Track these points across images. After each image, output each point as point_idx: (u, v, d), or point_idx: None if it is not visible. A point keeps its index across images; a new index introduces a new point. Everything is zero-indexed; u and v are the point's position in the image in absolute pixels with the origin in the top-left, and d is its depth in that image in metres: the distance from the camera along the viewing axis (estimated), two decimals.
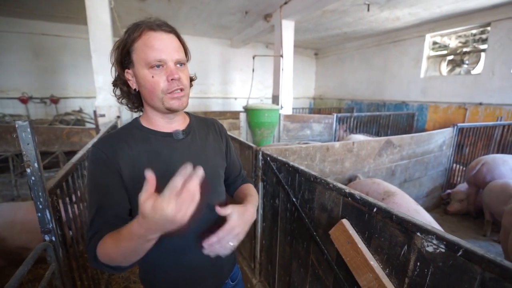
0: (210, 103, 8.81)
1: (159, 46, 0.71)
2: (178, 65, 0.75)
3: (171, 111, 0.77)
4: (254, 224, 1.89)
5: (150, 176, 0.51)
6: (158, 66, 0.71)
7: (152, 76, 0.72)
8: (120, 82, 0.79)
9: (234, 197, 1.02)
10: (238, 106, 8.96)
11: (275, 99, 5.93)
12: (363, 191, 2.09)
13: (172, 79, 0.72)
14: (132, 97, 0.82)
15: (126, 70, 0.76)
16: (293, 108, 6.46)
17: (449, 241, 0.68)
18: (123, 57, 0.74)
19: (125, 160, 0.74)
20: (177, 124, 0.85)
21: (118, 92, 0.82)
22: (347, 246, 0.99)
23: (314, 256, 1.29)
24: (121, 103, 0.84)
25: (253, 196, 0.91)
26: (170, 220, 0.50)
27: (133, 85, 0.78)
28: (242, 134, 4.63)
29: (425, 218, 1.82)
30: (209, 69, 8.47)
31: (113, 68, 0.79)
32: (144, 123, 0.82)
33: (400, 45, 7.13)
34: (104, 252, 0.64)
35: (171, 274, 0.83)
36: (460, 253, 0.65)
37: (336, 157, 2.35)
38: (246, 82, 9.10)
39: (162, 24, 0.73)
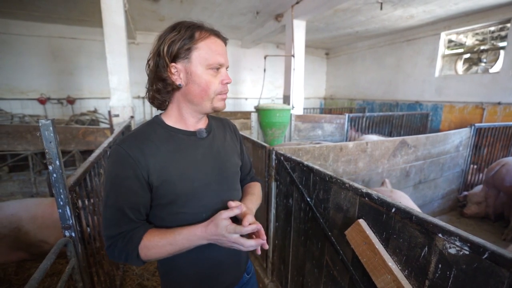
0: None
1: (221, 51, 0.79)
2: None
3: (215, 111, 0.83)
4: (267, 223, 1.89)
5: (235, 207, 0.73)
6: (217, 69, 0.79)
7: (210, 76, 0.77)
8: (162, 72, 0.76)
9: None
10: (248, 106, 8.96)
11: (286, 99, 5.90)
12: None
13: (226, 83, 0.81)
14: (170, 89, 0.78)
15: (172, 64, 0.75)
16: (303, 108, 6.41)
17: (473, 243, 0.65)
18: (180, 51, 0.74)
19: (153, 159, 0.74)
20: (201, 124, 0.87)
21: (158, 85, 0.78)
22: (363, 246, 0.98)
23: (329, 257, 1.28)
24: (150, 92, 0.81)
25: (254, 195, 0.96)
26: (229, 241, 0.70)
27: (177, 80, 0.76)
28: (253, 134, 4.63)
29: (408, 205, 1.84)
30: None
31: (149, 63, 0.79)
32: (168, 121, 0.82)
33: (414, 44, 6.96)
34: (148, 249, 0.72)
35: (194, 268, 0.84)
36: (486, 255, 0.63)
37: (349, 157, 2.32)
38: (257, 82, 9.10)
39: (220, 33, 0.82)
